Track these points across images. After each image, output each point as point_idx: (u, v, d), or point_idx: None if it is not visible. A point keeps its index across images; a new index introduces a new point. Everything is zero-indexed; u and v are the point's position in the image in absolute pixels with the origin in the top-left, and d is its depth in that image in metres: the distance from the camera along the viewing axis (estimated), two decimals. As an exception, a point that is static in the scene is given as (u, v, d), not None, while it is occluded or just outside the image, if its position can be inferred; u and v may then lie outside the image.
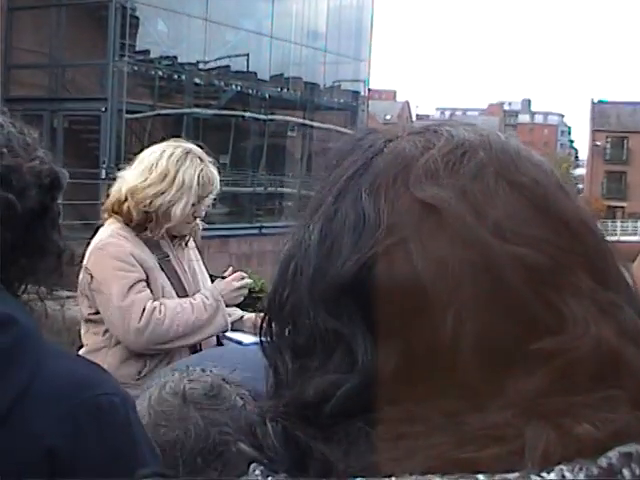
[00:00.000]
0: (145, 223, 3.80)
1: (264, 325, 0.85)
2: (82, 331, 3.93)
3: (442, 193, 0.75)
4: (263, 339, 0.84)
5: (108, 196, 3.98)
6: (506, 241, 0.73)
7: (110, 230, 3.85)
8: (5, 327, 1.42)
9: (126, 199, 3.78)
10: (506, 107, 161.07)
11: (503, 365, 0.72)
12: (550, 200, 0.78)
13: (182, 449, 1.69)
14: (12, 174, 1.54)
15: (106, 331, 3.84)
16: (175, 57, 27.38)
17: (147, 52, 26.73)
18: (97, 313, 3.83)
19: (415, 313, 0.73)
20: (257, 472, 0.78)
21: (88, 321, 3.87)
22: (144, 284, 3.74)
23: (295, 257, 0.81)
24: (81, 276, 3.80)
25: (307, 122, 32.40)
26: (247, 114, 28.69)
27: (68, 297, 1.87)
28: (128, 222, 3.81)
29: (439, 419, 0.71)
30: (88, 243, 3.91)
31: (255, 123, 29.19)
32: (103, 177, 23.64)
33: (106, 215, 3.92)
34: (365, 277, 0.75)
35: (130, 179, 3.82)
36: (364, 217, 0.77)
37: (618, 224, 65.95)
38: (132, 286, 3.73)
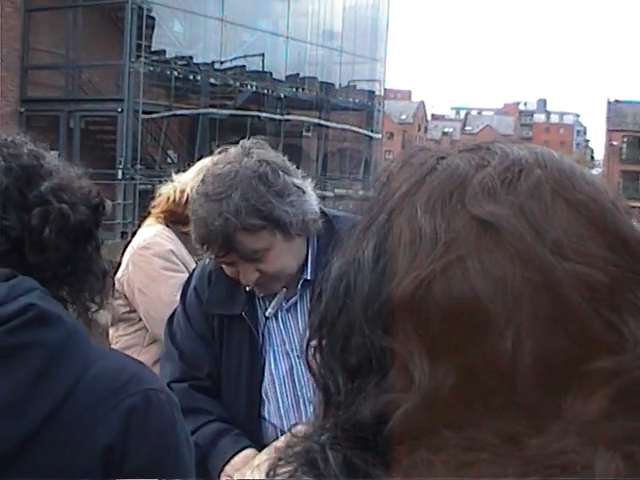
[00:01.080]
0: None
1: (313, 343, 0.83)
2: (111, 331, 3.91)
3: (500, 210, 0.75)
4: (312, 358, 0.83)
5: (152, 199, 3.96)
6: (566, 259, 0.72)
7: (154, 230, 3.84)
8: (55, 325, 1.46)
9: (187, 201, 3.75)
10: (522, 107, 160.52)
11: (562, 385, 0.71)
12: (607, 218, 0.77)
13: None
14: (65, 189, 1.61)
15: (138, 330, 3.82)
16: (191, 57, 27.42)
17: (163, 52, 26.77)
18: (133, 311, 3.81)
19: (473, 332, 0.72)
20: None
21: (121, 320, 3.86)
22: None
23: (348, 275, 0.80)
24: (119, 275, 3.74)
25: (323, 122, 32.39)
26: (263, 114, 28.70)
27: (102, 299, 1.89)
28: (180, 225, 3.79)
29: (501, 445, 0.70)
30: (124, 247, 3.91)
31: (271, 123, 29.19)
32: (120, 178, 23.74)
33: (151, 217, 3.91)
34: (422, 295, 0.74)
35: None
36: (420, 234, 0.76)
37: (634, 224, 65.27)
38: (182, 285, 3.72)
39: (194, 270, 2.97)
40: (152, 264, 3.74)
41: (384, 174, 0.85)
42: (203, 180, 2.49)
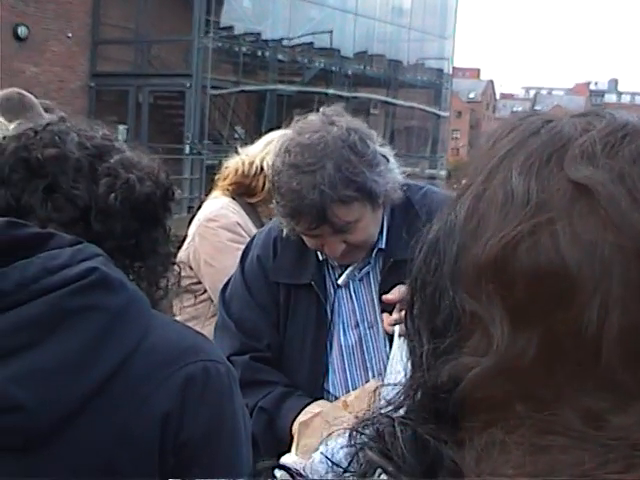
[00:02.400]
0: (263, 201, 3.80)
1: (404, 308, 0.82)
2: (175, 302, 3.94)
3: (597, 174, 0.71)
4: (406, 321, 0.81)
5: (214, 174, 3.98)
6: None
7: (221, 203, 3.87)
8: (118, 290, 1.48)
9: (256, 173, 3.77)
10: (592, 87, 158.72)
11: None
12: None
13: None
14: (134, 164, 1.68)
15: (203, 301, 3.85)
16: (259, 34, 27.53)
17: (231, 28, 26.92)
18: (197, 283, 3.83)
19: (558, 298, 0.69)
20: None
21: (187, 291, 3.88)
22: None
23: (440, 237, 0.78)
24: (185, 246, 3.76)
25: (390, 100, 32.35)
26: (330, 91, 28.69)
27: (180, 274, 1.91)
28: (247, 196, 3.82)
29: (581, 426, 0.67)
30: (190, 219, 3.93)
31: (338, 100, 29.07)
32: (187, 153, 23.94)
33: (217, 189, 3.93)
34: (507, 257, 0.71)
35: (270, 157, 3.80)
36: (512, 195, 0.73)
37: None
38: None
39: (254, 237, 2.94)
40: (219, 236, 3.76)
41: (490, 139, 0.82)
42: (288, 150, 2.41)
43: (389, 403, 0.82)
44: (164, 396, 1.48)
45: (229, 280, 2.86)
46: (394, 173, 2.50)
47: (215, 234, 3.77)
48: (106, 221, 1.60)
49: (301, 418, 2.52)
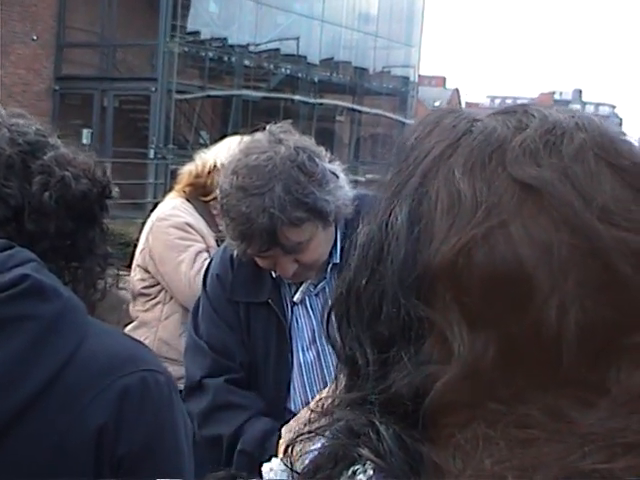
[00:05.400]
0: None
1: (335, 313, 0.81)
2: (131, 306, 3.97)
3: (543, 174, 0.72)
4: (334, 328, 0.80)
5: (174, 178, 4.08)
6: (613, 226, 0.70)
7: (173, 203, 3.94)
8: (51, 298, 1.42)
9: (210, 172, 3.79)
10: (557, 97, 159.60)
11: (607, 357, 0.68)
12: None
13: None
14: (69, 162, 1.60)
15: (156, 304, 3.89)
16: (225, 39, 27.45)
17: (198, 33, 26.80)
18: (151, 286, 3.89)
19: (516, 300, 0.69)
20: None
21: (140, 295, 3.92)
22: (208, 254, 3.77)
23: (378, 241, 0.77)
24: (140, 248, 3.90)
25: (356, 107, 32.35)
26: (296, 97, 28.69)
27: (119, 275, 1.88)
28: (202, 195, 3.86)
29: (551, 423, 0.67)
30: (143, 223, 4.02)
31: (304, 106, 29.16)
32: (152, 157, 23.82)
33: (173, 192, 4.01)
34: (462, 262, 0.71)
35: (224, 154, 3.82)
36: (460, 198, 0.73)
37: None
38: (199, 253, 3.79)
39: (213, 257, 2.92)
40: (169, 234, 3.82)
41: (411, 137, 0.81)
42: (235, 172, 2.36)
43: (325, 412, 0.80)
44: (100, 408, 1.43)
45: (197, 304, 2.82)
46: (344, 190, 2.47)
47: (166, 232, 3.83)
48: (40, 221, 1.54)
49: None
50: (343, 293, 0.80)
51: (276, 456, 2.42)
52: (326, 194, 2.38)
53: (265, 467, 2.27)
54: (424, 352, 0.72)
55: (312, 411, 0.82)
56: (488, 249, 0.71)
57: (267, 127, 2.49)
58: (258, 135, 2.46)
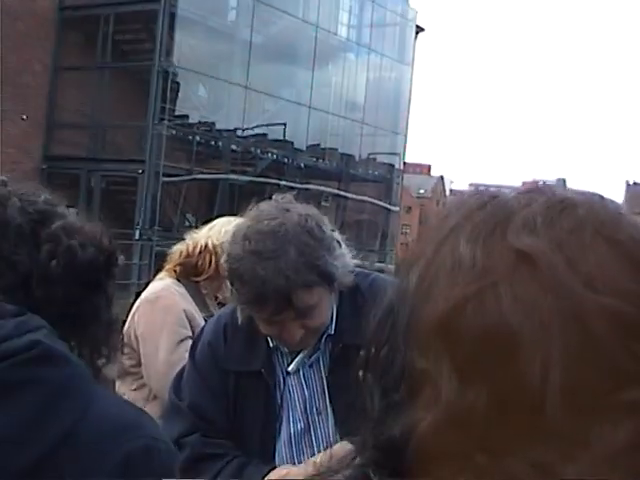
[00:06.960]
0: (209, 279, 3.86)
1: (363, 368, 0.85)
2: (117, 384, 3.92)
3: (538, 243, 0.76)
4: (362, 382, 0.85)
5: (163, 261, 4.05)
6: (596, 292, 0.73)
7: (163, 284, 3.92)
8: (59, 363, 1.45)
9: (201, 252, 3.82)
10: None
11: (589, 414, 0.71)
12: None
13: None
14: (76, 230, 1.65)
15: (143, 385, 3.85)
16: (213, 123, 27.69)
17: (186, 117, 27.03)
18: (138, 365, 3.84)
19: (502, 356, 0.73)
20: None
21: (127, 374, 3.88)
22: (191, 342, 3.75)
23: (394, 304, 0.82)
24: (127, 327, 3.80)
25: (341, 193, 32.53)
26: (282, 182, 28.79)
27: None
28: (193, 275, 3.87)
29: (537, 477, 0.70)
30: (133, 303, 3.97)
31: (290, 191, 28.86)
32: (137, 238, 23.81)
33: (163, 271, 4.01)
34: (454, 317, 0.75)
35: (216, 235, 3.84)
36: (460, 261, 0.78)
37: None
38: (181, 341, 3.74)
39: (205, 324, 2.93)
40: (155, 316, 3.79)
41: (441, 215, 0.87)
42: (247, 238, 2.40)
43: (341, 462, 0.85)
44: (105, 472, 1.44)
45: (183, 368, 2.83)
46: (346, 258, 2.53)
47: (153, 313, 3.80)
48: (47, 287, 1.57)
49: (272, 476, 2.50)
50: (365, 351, 0.85)
51: None
52: (334, 259, 2.44)
53: None
54: (420, 400, 0.76)
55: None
56: (478, 306, 0.74)
57: (273, 197, 2.56)
58: (263, 205, 2.52)
